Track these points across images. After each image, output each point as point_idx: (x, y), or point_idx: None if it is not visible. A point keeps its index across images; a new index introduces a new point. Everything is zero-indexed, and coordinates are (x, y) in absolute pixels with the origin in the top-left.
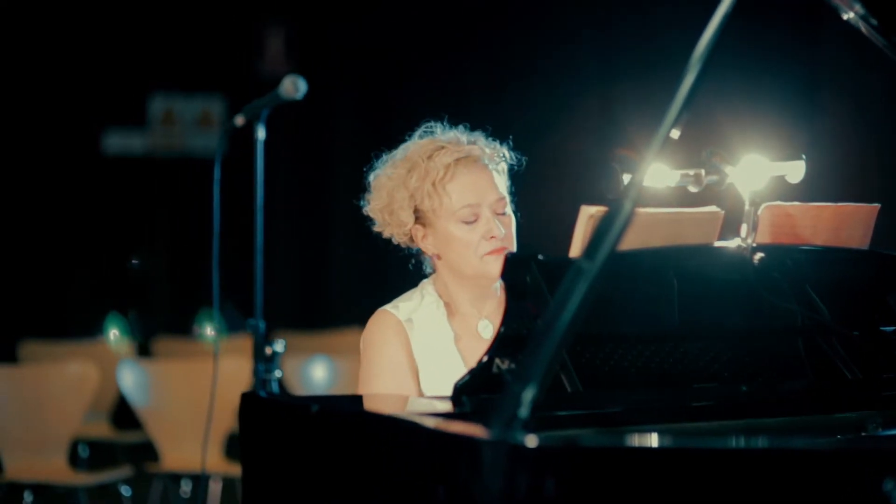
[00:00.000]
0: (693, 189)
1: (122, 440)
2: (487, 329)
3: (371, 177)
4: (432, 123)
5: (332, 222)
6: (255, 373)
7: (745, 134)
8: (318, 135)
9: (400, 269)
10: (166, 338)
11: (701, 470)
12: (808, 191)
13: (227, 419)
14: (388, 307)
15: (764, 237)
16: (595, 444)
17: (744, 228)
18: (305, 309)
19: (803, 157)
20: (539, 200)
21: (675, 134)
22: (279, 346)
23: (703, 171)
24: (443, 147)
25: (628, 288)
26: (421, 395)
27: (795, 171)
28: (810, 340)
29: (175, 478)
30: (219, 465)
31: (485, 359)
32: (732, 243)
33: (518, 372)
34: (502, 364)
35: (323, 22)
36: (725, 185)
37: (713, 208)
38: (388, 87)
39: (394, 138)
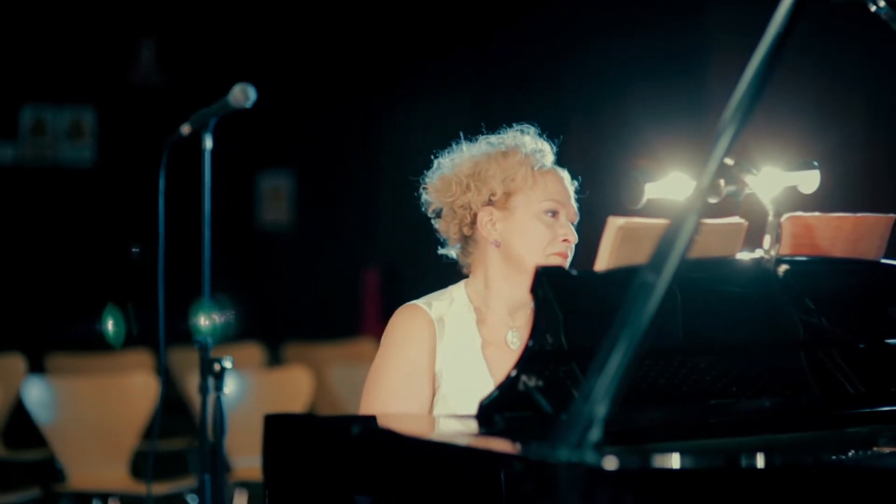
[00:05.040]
0: (711, 200)
1: (16, 458)
2: (515, 340)
3: (445, 159)
4: (526, 126)
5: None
6: (202, 389)
7: (760, 144)
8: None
9: (289, 282)
10: (61, 354)
11: (778, 489)
12: (819, 200)
13: (133, 436)
14: (420, 303)
15: (784, 248)
16: (674, 467)
17: (767, 240)
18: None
19: (817, 165)
20: None
21: (730, 161)
22: (227, 362)
23: (722, 182)
24: (543, 149)
25: None
26: (431, 400)
27: (809, 181)
28: (812, 354)
29: (82, 497)
30: (124, 483)
31: (512, 374)
32: (755, 254)
33: (584, 391)
34: (529, 381)
35: (194, 33)
36: (743, 195)
37: (737, 219)
38: (266, 98)
39: (271, 152)
